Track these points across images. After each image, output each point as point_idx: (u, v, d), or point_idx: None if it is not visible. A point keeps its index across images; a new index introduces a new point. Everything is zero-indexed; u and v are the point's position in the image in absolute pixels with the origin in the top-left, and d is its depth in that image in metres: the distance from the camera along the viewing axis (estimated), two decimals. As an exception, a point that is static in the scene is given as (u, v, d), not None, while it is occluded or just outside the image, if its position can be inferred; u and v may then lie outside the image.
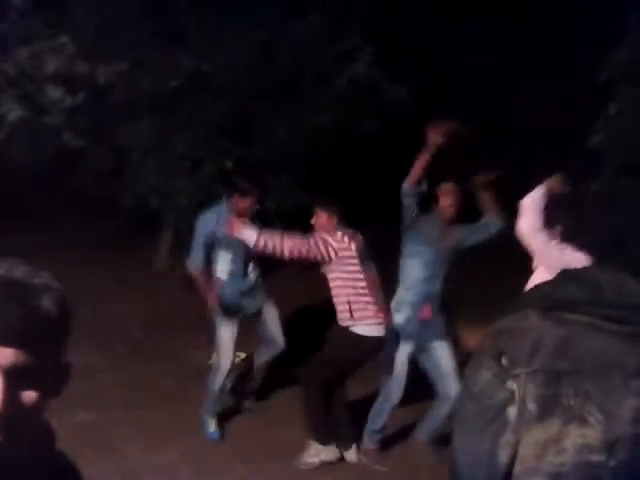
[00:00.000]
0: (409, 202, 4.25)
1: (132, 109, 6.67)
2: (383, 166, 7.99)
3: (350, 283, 4.25)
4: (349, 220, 4.40)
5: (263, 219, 6.73)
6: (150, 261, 7.34)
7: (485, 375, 2.81)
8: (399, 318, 4.33)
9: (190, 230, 6.95)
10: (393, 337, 4.30)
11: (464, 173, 4.42)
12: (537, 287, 2.85)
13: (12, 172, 6.66)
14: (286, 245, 4.07)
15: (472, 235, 4.40)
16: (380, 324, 4.26)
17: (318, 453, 4.42)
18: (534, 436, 2.65)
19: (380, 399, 4.46)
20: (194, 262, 4.71)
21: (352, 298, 4.24)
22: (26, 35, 6.18)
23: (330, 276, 4.29)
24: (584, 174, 5.19)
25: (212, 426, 4.74)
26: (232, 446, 4.62)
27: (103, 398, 5.06)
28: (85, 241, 7.42)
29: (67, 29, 6.28)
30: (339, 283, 4.26)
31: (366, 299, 4.25)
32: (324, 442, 4.42)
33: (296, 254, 4.13)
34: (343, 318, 4.28)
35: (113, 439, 4.55)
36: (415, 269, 4.31)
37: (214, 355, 4.85)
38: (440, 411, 4.36)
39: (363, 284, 4.24)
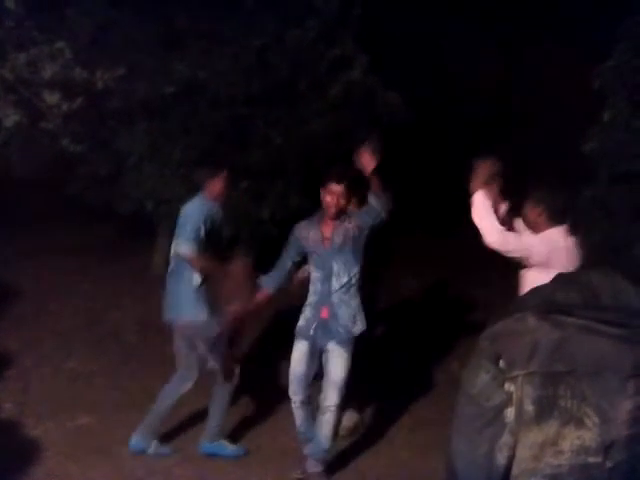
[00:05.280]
0: None
1: (129, 115, 6.70)
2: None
3: None
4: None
5: (258, 226, 6.82)
6: (146, 267, 7.35)
7: (483, 378, 2.85)
8: (301, 319, 4.36)
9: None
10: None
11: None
12: (534, 290, 2.90)
13: (8, 177, 6.69)
14: None
15: (364, 218, 4.28)
16: None
17: None
18: (532, 438, 2.70)
19: None
20: None
21: None
22: (23, 41, 6.20)
23: None
24: (578, 181, 5.27)
25: (231, 445, 4.61)
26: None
27: (100, 402, 5.10)
28: (81, 247, 7.44)
29: (64, 35, 6.30)
30: None
31: None
32: None
33: None
34: None
35: (110, 442, 4.58)
36: (313, 270, 4.35)
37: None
38: (321, 428, 4.22)
39: None
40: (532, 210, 3.94)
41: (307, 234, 4.33)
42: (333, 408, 4.19)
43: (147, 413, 4.56)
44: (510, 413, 2.68)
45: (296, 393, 4.29)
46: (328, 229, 4.28)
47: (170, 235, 7.32)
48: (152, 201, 6.78)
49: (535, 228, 3.94)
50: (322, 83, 6.97)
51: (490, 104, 9.19)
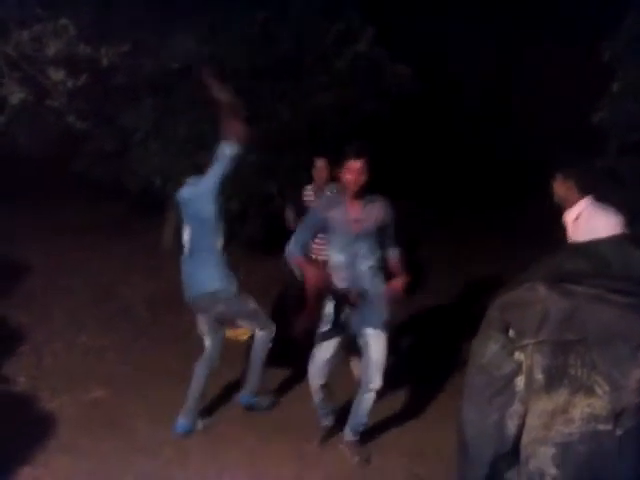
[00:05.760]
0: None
1: (134, 91, 6.69)
2: (387, 145, 8.04)
3: None
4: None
5: (266, 200, 6.81)
6: (155, 243, 7.38)
7: (492, 347, 2.87)
8: (329, 306, 4.20)
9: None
10: None
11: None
12: (544, 260, 2.91)
13: (15, 155, 6.70)
14: None
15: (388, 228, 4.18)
16: None
17: None
18: (542, 406, 2.72)
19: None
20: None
21: None
22: (26, 18, 6.17)
23: None
24: (588, 152, 5.26)
25: (268, 398, 4.82)
26: (241, 420, 4.69)
27: (112, 377, 5.14)
28: (90, 224, 7.48)
29: (67, 11, 6.27)
30: None
31: None
32: None
33: None
34: None
35: (123, 416, 4.63)
36: (334, 254, 4.17)
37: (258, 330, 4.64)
38: (362, 403, 4.23)
39: None
40: (561, 185, 3.97)
41: (331, 213, 4.13)
42: (378, 389, 4.16)
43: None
44: (520, 382, 2.70)
45: (317, 377, 4.25)
46: (355, 210, 4.11)
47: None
48: (159, 177, 6.79)
49: (568, 203, 3.96)
50: (328, 56, 6.93)
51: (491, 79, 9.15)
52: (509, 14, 8.53)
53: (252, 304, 4.59)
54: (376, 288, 4.15)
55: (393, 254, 4.26)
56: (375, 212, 4.13)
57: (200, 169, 4.78)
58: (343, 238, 4.13)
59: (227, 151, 4.40)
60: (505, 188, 8.22)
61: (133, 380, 5.15)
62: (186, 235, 4.61)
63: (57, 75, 6.21)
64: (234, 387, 5.02)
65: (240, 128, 4.41)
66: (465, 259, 7.18)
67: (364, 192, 4.11)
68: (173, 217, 7.49)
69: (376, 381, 4.16)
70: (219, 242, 4.49)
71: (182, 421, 4.56)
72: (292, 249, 4.22)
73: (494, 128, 8.63)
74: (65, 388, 4.84)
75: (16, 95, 6.16)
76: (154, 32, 6.71)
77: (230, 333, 5.92)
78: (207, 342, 4.63)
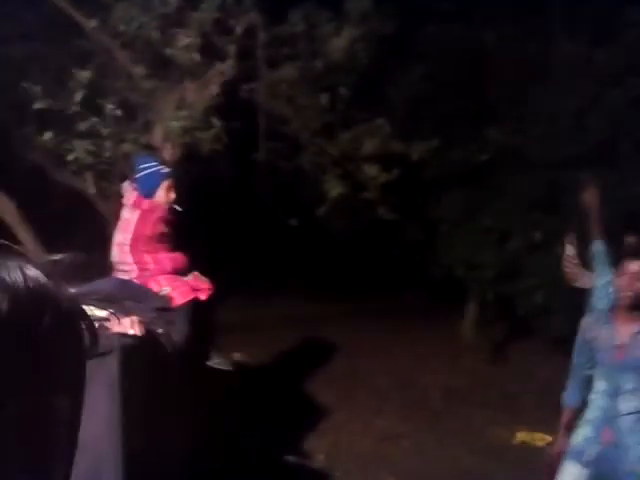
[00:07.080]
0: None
1: (442, 184, 6.91)
2: None
3: None
4: None
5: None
6: (454, 332, 7.41)
7: None
8: (578, 435, 3.45)
9: (495, 303, 6.92)
10: None
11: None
12: None
13: (328, 243, 7.29)
14: None
15: None
16: None
17: None
18: None
19: None
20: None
21: None
22: (347, 121, 6.80)
23: None
24: None
25: None
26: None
27: (405, 466, 5.15)
28: (391, 309, 7.77)
29: (383, 112, 6.77)
30: None
31: None
32: None
33: None
34: None
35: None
36: (597, 380, 3.40)
37: None
38: None
39: None
40: None
41: (597, 334, 3.41)
42: None
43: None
44: None
45: None
46: (625, 330, 3.33)
47: (479, 302, 7.31)
48: (462, 267, 6.85)
49: None
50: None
51: None
52: None
53: None
54: (637, 437, 3.31)
55: None
56: None
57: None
58: (606, 365, 3.38)
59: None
60: None
61: (425, 472, 5.09)
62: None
63: (371, 170, 6.72)
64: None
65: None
66: None
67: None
68: (474, 308, 7.47)
69: None
70: None
71: None
72: (569, 394, 3.58)
73: None
74: (358, 471, 4.98)
75: (336, 189, 6.77)
76: (463, 127, 6.92)
77: (525, 436, 5.63)
78: None
